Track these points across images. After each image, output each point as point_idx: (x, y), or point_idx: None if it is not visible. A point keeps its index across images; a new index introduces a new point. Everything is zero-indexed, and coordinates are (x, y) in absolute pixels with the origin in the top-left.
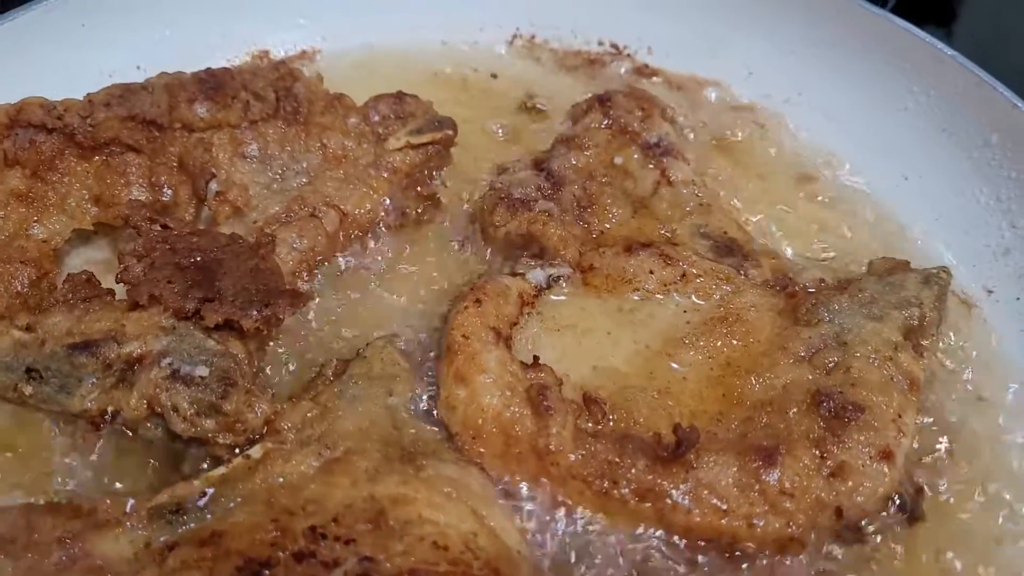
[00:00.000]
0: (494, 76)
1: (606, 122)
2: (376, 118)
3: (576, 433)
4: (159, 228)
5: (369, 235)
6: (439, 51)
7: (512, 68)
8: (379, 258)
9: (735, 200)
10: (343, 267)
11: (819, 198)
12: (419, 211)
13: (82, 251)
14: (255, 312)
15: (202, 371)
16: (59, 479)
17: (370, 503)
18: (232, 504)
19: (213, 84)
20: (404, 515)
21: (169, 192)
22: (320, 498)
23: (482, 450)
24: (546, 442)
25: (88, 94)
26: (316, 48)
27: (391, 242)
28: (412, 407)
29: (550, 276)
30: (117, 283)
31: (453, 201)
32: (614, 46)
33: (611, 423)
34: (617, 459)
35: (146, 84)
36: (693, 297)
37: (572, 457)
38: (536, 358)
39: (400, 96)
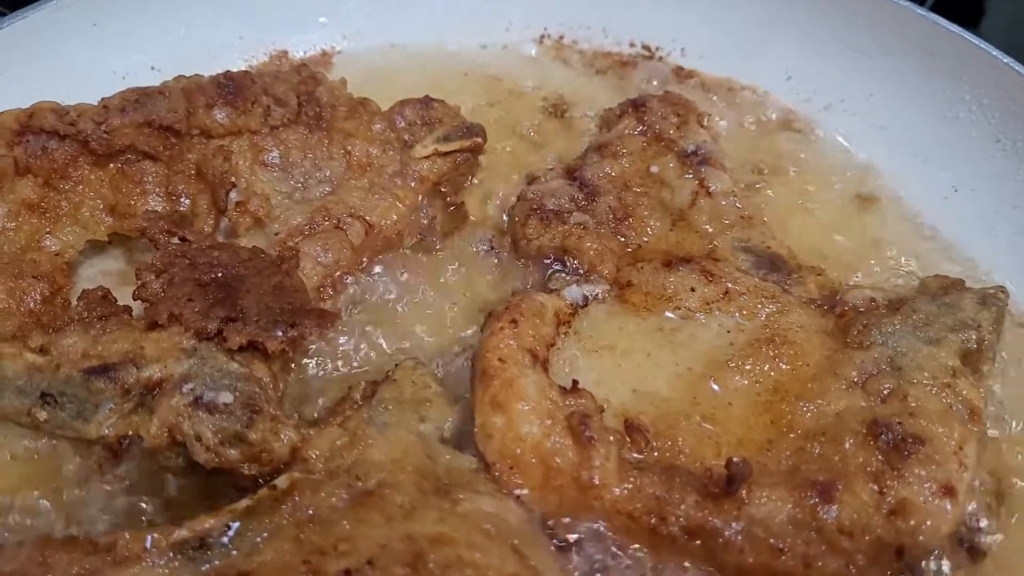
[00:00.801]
0: (521, 80)
1: (640, 128)
2: (402, 124)
3: (621, 464)
4: (177, 241)
5: (395, 247)
6: (463, 52)
7: (539, 70)
8: (405, 272)
9: (774, 212)
10: (368, 281)
11: (863, 210)
12: (446, 222)
13: (95, 261)
14: (280, 333)
15: (226, 397)
16: (74, 510)
17: (407, 544)
18: (259, 539)
19: (232, 88)
20: (443, 557)
21: (187, 202)
22: (353, 536)
23: (520, 482)
24: (590, 475)
25: (103, 99)
26: (337, 48)
27: (416, 254)
28: (445, 434)
29: (586, 293)
30: (134, 300)
31: (481, 211)
32: (646, 47)
33: (655, 452)
34: (665, 493)
35: (163, 88)
36: (737, 316)
37: (617, 491)
38: (575, 382)
39: (427, 101)
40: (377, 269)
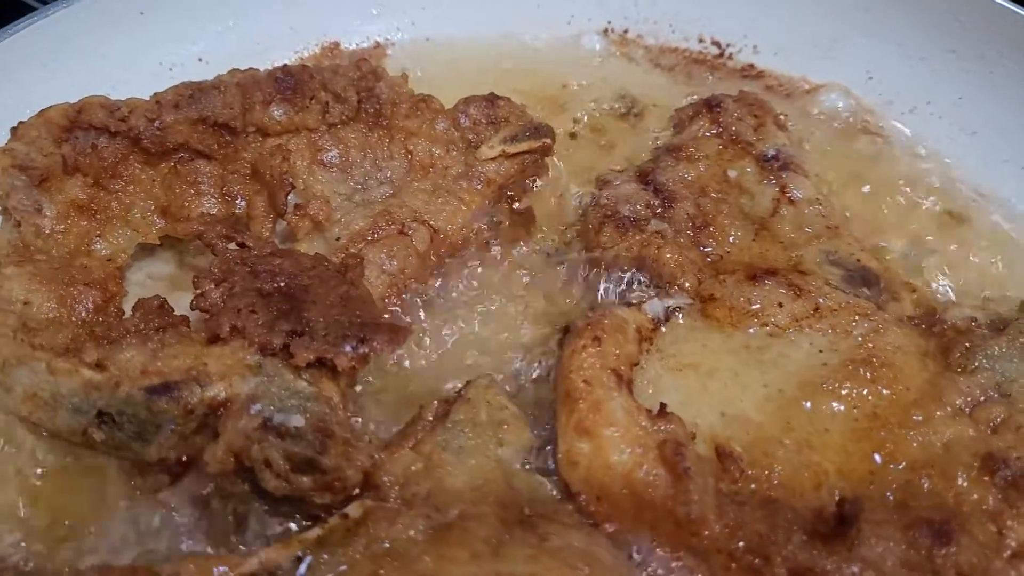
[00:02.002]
0: (583, 76)
1: (715, 130)
2: (466, 123)
3: (718, 498)
4: (235, 247)
5: (460, 254)
6: (523, 45)
7: (603, 66)
8: (471, 280)
9: (854, 223)
10: (431, 291)
11: (954, 222)
12: (511, 227)
13: (144, 265)
14: (350, 349)
15: (297, 420)
16: (131, 534)
17: None
18: (332, 574)
19: (290, 84)
20: None
21: (242, 204)
22: (438, 573)
23: (609, 514)
24: (686, 509)
25: (155, 94)
26: (391, 40)
27: (483, 262)
28: (523, 459)
29: (668, 307)
30: (192, 309)
31: (549, 216)
32: (716, 43)
33: (751, 484)
34: (769, 531)
35: (217, 83)
36: (829, 335)
37: (717, 527)
38: (663, 406)
39: (492, 98)
40: (440, 277)
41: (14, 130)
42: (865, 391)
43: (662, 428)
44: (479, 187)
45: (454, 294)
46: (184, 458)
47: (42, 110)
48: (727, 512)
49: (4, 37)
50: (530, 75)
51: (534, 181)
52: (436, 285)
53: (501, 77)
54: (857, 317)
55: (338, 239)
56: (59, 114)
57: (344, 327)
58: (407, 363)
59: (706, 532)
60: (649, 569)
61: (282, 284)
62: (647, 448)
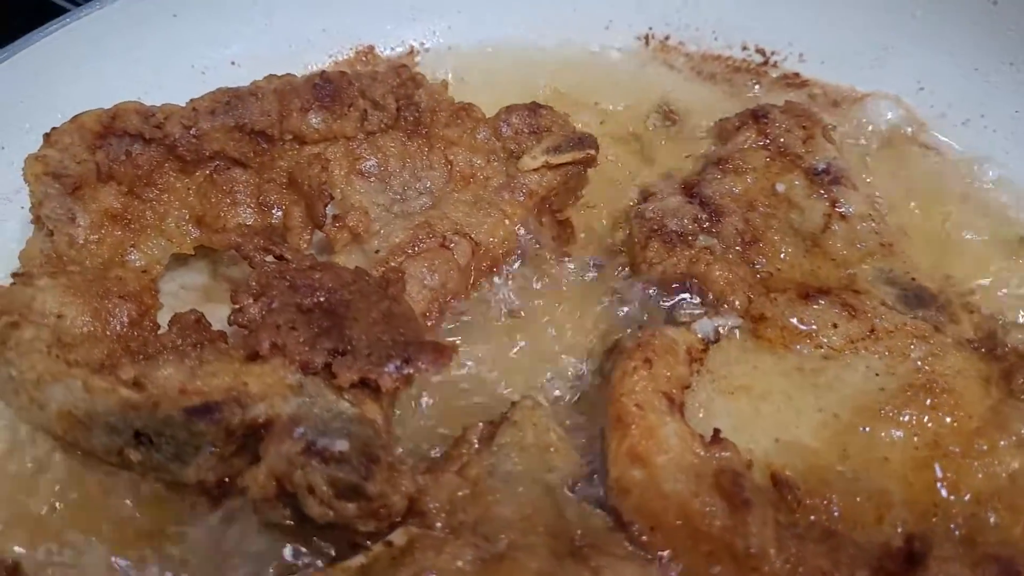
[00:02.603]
0: (623, 84)
1: (762, 141)
2: (508, 132)
3: (778, 531)
4: (272, 259)
5: (501, 268)
6: (561, 51)
7: (643, 73)
8: (512, 296)
9: (909, 239)
10: (470, 306)
11: (1011, 240)
12: (553, 240)
13: (177, 275)
14: (394, 369)
15: (341, 445)
16: (167, 556)
17: None
18: None
19: (329, 91)
20: None
21: (279, 214)
22: None
23: (663, 545)
24: (746, 543)
25: (192, 100)
26: (426, 45)
27: (525, 277)
28: (572, 485)
29: (718, 327)
30: (230, 325)
31: (590, 228)
32: (760, 51)
33: (811, 516)
34: (832, 567)
35: (254, 89)
36: (885, 357)
37: (777, 563)
38: (717, 431)
39: (535, 108)
40: (480, 292)
41: (47, 136)
42: (925, 418)
43: (717, 455)
44: (521, 199)
45: (492, 309)
46: (225, 482)
47: (75, 116)
48: (787, 546)
49: (36, 39)
50: (567, 82)
51: (575, 192)
52: (475, 300)
53: (537, 84)
54: (915, 339)
55: (377, 252)
56: (93, 120)
57: (388, 346)
58: (443, 381)
59: (766, 567)
60: None
61: (322, 299)
62: (703, 477)
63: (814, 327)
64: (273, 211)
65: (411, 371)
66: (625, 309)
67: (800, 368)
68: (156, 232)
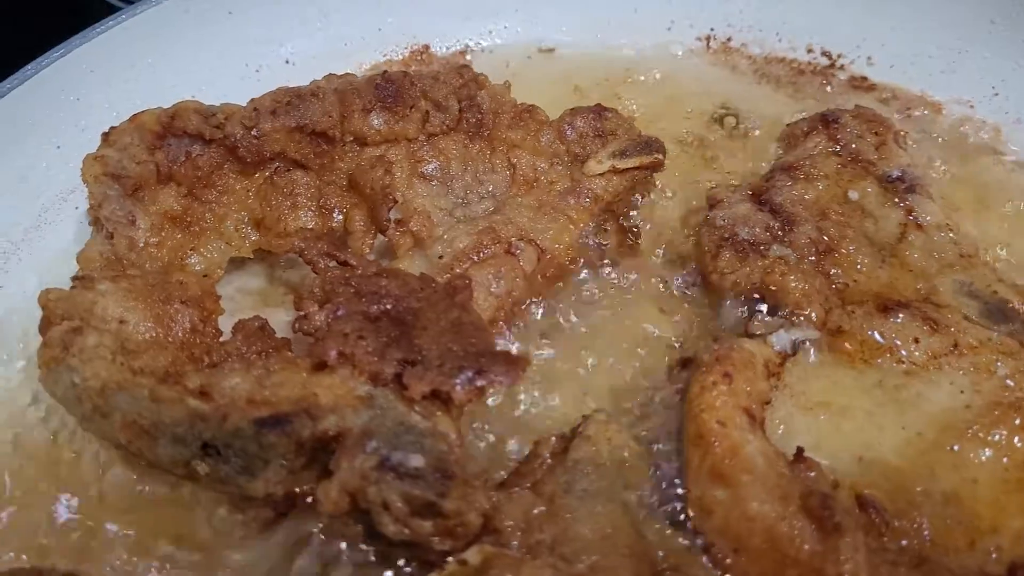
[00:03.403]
0: (684, 86)
1: (833, 147)
2: (572, 135)
3: (870, 556)
4: (336, 265)
5: (566, 275)
6: (620, 53)
7: (704, 76)
8: (576, 303)
9: (986, 249)
10: (536, 315)
11: None
12: (618, 247)
13: (233, 278)
14: (466, 380)
15: (416, 460)
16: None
17: None
18: None
19: (391, 91)
20: None
21: (339, 217)
22: None
23: (748, 569)
24: (837, 570)
25: (252, 100)
26: (482, 45)
27: (590, 284)
28: (649, 503)
29: (795, 340)
30: (294, 332)
31: (655, 235)
32: (826, 54)
33: (900, 538)
34: None
35: (315, 89)
36: (971, 374)
37: None
38: (800, 450)
39: (599, 110)
40: (544, 300)
41: (105, 135)
42: (1016, 438)
43: (802, 475)
44: (587, 204)
45: (558, 319)
46: (293, 496)
47: (134, 115)
48: (880, 572)
49: (92, 36)
50: (627, 84)
51: (641, 198)
52: (539, 309)
53: (596, 85)
54: (1001, 356)
55: (441, 257)
56: (152, 119)
57: (459, 356)
58: (509, 394)
59: None
60: None
61: (389, 307)
62: (789, 498)
63: (896, 341)
64: (334, 214)
65: (484, 383)
66: (697, 320)
67: (881, 384)
68: (215, 235)
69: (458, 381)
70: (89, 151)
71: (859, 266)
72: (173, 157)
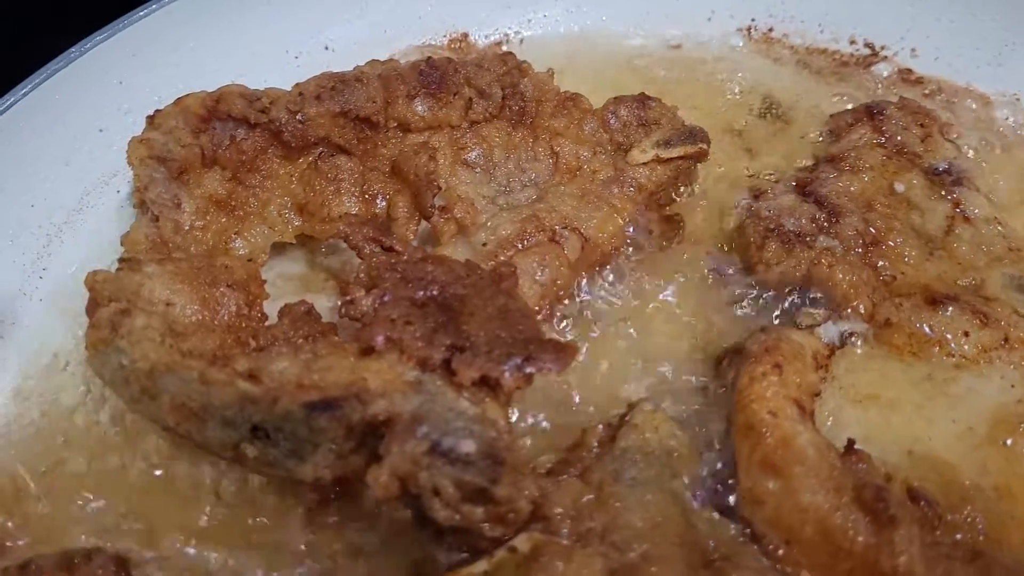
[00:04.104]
0: (724, 77)
1: (878, 139)
2: (615, 124)
3: (924, 550)
4: (381, 250)
5: (609, 264)
6: (660, 42)
7: (745, 66)
8: (619, 293)
9: None
10: (579, 304)
11: None
12: (661, 236)
13: (274, 264)
14: (515, 367)
15: (467, 446)
16: (274, 557)
17: None
18: None
19: (435, 78)
20: None
21: (382, 204)
22: None
23: (799, 560)
24: (892, 562)
25: (297, 84)
26: (521, 34)
27: (633, 273)
28: (697, 493)
29: (843, 332)
30: (340, 318)
31: (697, 225)
32: (869, 45)
33: (954, 532)
34: None
35: (359, 74)
36: (1022, 368)
37: None
38: (852, 442)
39: (643, 99)
40: (587, 289)
41: (151, 119)
42: None
43: (854, 467)
44: (631, 193)
45: (600, 308)
46: (343, 480)
47: (179, 98)
48: (935, 565)
49: (135, 20)
50: (666, 73)
51: (685, 188)
52: (581, 298)
53: (635, 75)
54: None
55: (484, 245)
56: (197, 103)
57: (508, 343)
58: (553, 383)
59: None
60: None
61: (435, 293)
62: (842, 490)
63: (945, 335)
64: (377, 201)
65: (534, 370)
66: (740, 311)
67: (931, 377)
68: (258, 219)
69: (507, 367)
70: (131, 135)
71: (906, 258)
72: (218, 141)
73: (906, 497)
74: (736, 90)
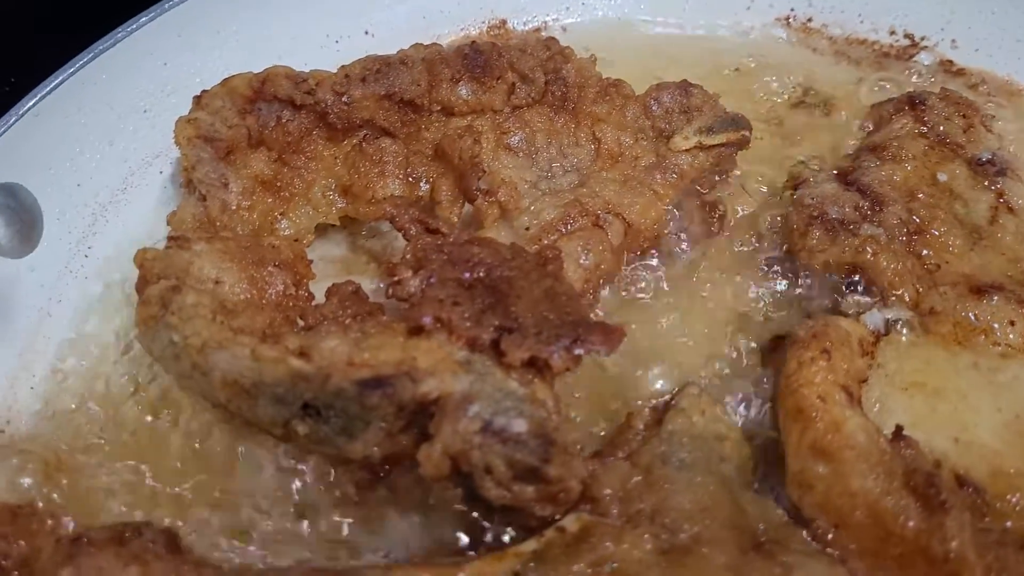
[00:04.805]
0: (763, 66)
1: (920, 129)
2: (657, 111)
3: (976, 536)
4: (426, 232)
5: (651, 250)
6: (698, 32)
7: (784, 55)
8: (661, 279)
9: None
10: (621, 289)
11: None
12: (703, 223)
13: (316, 246)
14: (564, 349)
15: (519, 425)
16: (321, 534)
17: None
18: None
19: (479, 62)
20: None
21: (425, 187)
22: None
23: (848, 545)
24: (944, 547)
25: (343, 66)
26: (560, 21)
27: (676, 259)
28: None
29: (888, 320)
30: (387, 298)
31: (737, 213)
32: (908, 36)
33: (1004, 520)
34: None
35: (403, 57)
36: None
37: (978, 570)
38: (900, 428)
39: (685, 86)
40: (628, 274)
41: (197, 99)
42: None
43: (904, 453)
44: (673, 179)
45: (642, 293)
46: (392, 459)
47: (226, 79)
48: (987, 552)
49: (181, 1)
50: (705, 62)
51: (726, 176)
52: (624, 283)
53: (674, 63)
54: None
55: (527, 229)
56: (243, 84)
57: (556, 325)
58: (594, 366)
59: (966, 574)
60: None
61: (482, 275)
62: (893, 475)
63: (991, 324)
64: (420, 184)
65: (583, 351)
66: (783, 298)
67: (976, 366)
68: (303, 201)
69: (556, 349)
70: (175, 116)
71: (951, 248)
72: (264, 122)
73: (954, 484)
74: (775, 80)
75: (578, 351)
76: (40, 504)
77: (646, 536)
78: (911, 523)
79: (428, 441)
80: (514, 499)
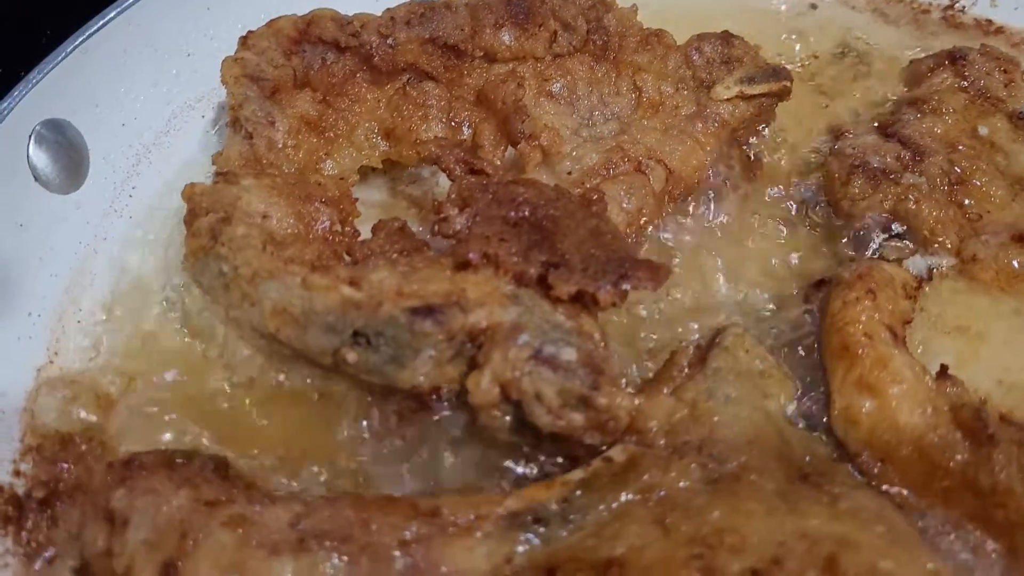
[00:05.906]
0: (800, 21)
1: (960, 83)
2: (699, 61)
3: (1021, 468)
4: (471, 173)
5: (692, 196)
6: None
7: (821, 12)
8: (705, 225)
9: None
10: (661, 235)
11: None
12: (743, 172)
13: (356, 190)
14: (611, 284)
15: (568, 354)
16: (363, 467)
17: (809, 544)
18: (607, 519)
19: (523, 8)
20: (857, 563)
21: (468, 131)
22: (736, 529)
23: (893, 478)
24: (991, 479)
25: (388, 9)
26: None
27: (717, 206)
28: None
29: (930, 266)
30: (433, 235)
31: (776, 163)
32: None
33: None
34: None
35: (448, 2)
36: None
37: None
38: (945, 367)
39: (727, 37)
40: (668, 219)
41: (243, 39)
42: None
43: (949, 391)
44: (714, 128)
45: (682, 236)
46: (439, 389)
47: (271, 20)
48: None
49: None
50: (745, 18)
51: (765, 126)
52: (664, 229)
53: (712, 19)
54: None
55: (569, 173)
56: (289, 25)
57: (602, 261)
58: (636, 306)
59: (1012, 505)
60: (940, 539)
61: (527, 214)
62: (939, 410)
63: None
64: (463, 128)
65: (629, 287)
66: (825, 246)
67: (1019, 312)
68: (347, 143)
69: (603, 284)
70: (217, 60)
71: (992, 198)
72: (308, 63)
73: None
74: (812, 36)
75: (625, 286)
76: (91, 433)
77: (693, 466)
78: (958, 456)
79: (476, 370)
80: (564, 427)
